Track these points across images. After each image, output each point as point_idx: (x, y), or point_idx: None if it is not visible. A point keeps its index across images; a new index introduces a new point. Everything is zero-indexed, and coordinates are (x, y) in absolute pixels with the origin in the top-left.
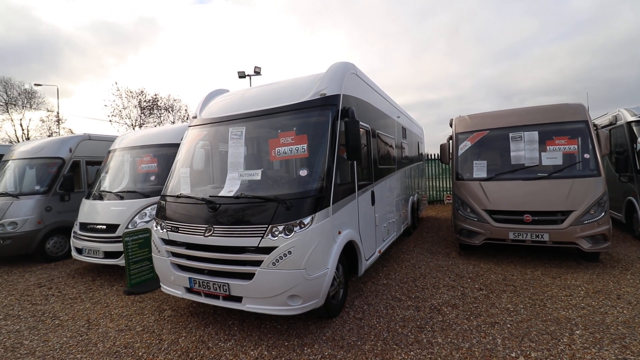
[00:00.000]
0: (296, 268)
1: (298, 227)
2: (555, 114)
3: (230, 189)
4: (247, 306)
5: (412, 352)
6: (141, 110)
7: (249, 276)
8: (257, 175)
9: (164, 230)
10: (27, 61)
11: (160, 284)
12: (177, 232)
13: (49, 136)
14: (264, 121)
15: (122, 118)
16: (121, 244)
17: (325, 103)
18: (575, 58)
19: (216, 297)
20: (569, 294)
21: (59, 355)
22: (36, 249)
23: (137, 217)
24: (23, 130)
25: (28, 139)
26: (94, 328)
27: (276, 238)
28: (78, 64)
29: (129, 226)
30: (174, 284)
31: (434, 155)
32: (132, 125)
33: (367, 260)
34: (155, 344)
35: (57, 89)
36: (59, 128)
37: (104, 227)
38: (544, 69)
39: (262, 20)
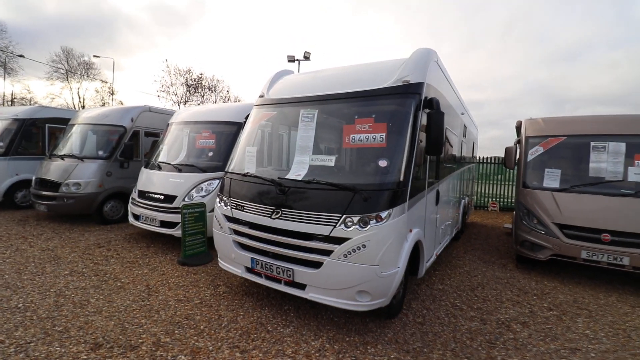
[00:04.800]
0: (369, 263)
1: (374, 221)
2: None
3: (297, 172)
4: (310, 295)
5: None
6: (187, 87)
7: (315, 265)
8: (330, 161)
9: (228, 207)
10: (88, 35)
11: (219, 259)
12: (242, 210)
13: (102, 105)
14: (339, 105)
15: (169, 94)
16: (177, 215)
17: (409, 91)
18: None
19: (278, 281)
20: None
21: (124, 317)
22: (95, 211)
23: (193, 190)
24: (80, 98)
25: (83, 107)
26: (154, 295)
27: (350, 229)
28: (133, 41)
29: (186, 199)
30: (234, 262)
31: (480, 158)
32: (178, 102)
33: (426, 262)
34: (215, 319)
35: (114, 62)
36: (111, 99)
37: (162, 197)
38: (603, 77)
39: (310, 4)
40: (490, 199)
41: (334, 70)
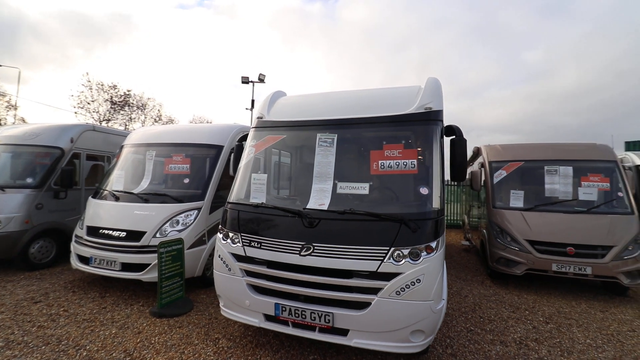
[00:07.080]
0: (425, 299)
1: (425, 253)
2: (586, 153)
3: (321, 201)
4: (354, 341)
5: None
6: (112, 105)
7: (360, 305)
8: (363, 188)
9: (238, 244)
10: None
11: (223, 308)
12: (259, 247)
13: None
14: (361, 130)
15: (90, 112)
16: (146, 255)
17: (431, 117)
18: (527, 103)
19: (311, 328)
20: (632, 329)
21: None
22: (19, 254)
23: (167, 224)
24: None
25: None
26: None
27: (401, 263)
28: (40, 51)
29: (157, 235)
30: (247, 310)
31: None
32: (100, 120)
33: None
34: None
35: (19, 73)
36: (13, 116)
37: (124, 234)
38: (498, 110)
39: (243, 32)
40: None
41: (344, 93)
